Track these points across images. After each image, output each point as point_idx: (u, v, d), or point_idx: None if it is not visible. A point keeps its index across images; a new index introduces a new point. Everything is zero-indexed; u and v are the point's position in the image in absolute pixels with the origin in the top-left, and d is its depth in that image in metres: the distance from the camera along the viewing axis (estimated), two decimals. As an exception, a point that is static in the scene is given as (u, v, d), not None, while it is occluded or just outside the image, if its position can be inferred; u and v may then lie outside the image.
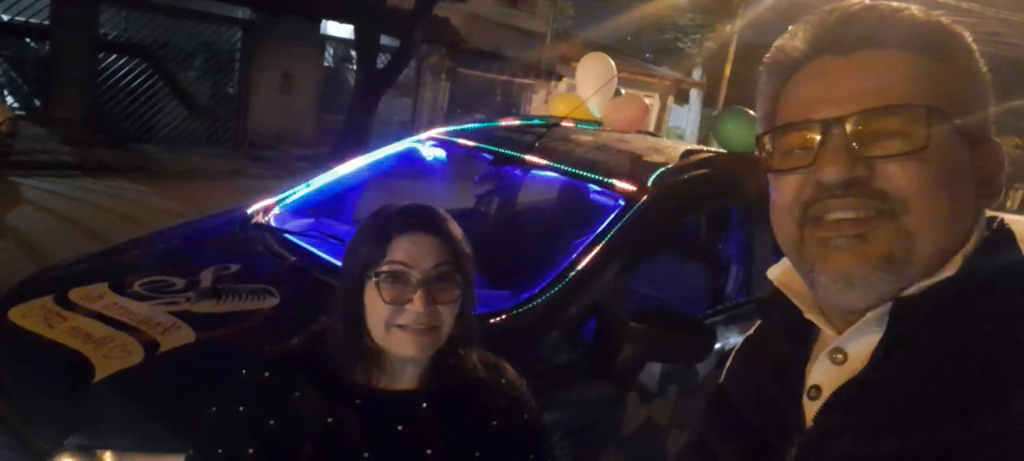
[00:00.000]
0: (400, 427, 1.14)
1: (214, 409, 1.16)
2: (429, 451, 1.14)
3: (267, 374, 1.16)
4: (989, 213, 0.72)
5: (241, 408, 1.13)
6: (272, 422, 1.11)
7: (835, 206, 0.68)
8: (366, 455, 1.11)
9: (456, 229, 1.18)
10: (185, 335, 1.96)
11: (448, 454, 1.15)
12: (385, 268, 1.11)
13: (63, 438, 1.65)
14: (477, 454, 1.17)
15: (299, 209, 3.04)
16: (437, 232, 1.15)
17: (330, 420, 1.12)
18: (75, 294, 2.13)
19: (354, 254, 1.16)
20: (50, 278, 2.37)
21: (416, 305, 1.10)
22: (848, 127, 0.67)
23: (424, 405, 1.17)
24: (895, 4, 0.70)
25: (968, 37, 0.70)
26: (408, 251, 1.12)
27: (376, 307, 1.12)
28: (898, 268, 0.66)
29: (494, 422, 1.20)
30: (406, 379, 1.18)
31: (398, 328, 1.11)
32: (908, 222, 0.65)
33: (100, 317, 2.01)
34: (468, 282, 1.17)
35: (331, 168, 3.23)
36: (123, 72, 10.43)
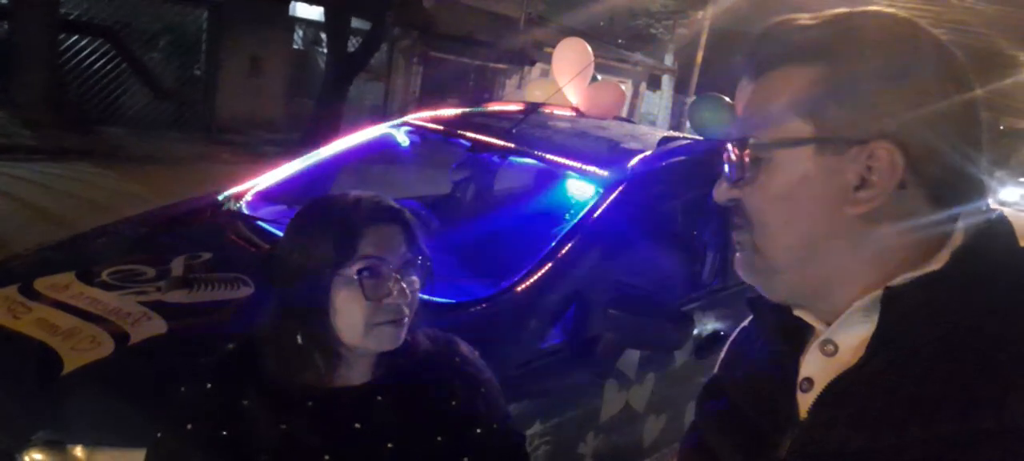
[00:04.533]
0: (357, 425, 1.10)
1: (160, 434, 1.11)
2: (390, 444, 1.10)
3: (209, 385, 1.10)
4: (992, 205, 0.71)
5: (189, 426, 1.08)
6: (224, 433, 1.06)
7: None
8: (326, 457, 1.07)
9: (411, 215, 1.15)
10: (156, 326, 1.91)
11: (409, 444, 1.12)
12: (361, 265, 1.06)
13: (31, 433, 1.61)
14: (439, 439, 1.14)
15: (271, 195, 2.99)
16: (400, 221, 1.12)
17: (284, 426, 1.07)
18: (41, 284, 2.07)
19: (310, 253, 1.09)
20: (14, 267, 2.30)
21: (395, 298, 1.08)
22: (732, 153, 0.74)
23: (379, 398, 1.13)
24: (802, 15, 0.72)
25: (877, 25, 0.69)
26: (379, 244, 1.08)
27: (352, 309, 1.07)
28: (766, 277, 0.75)
29: (453, 403, 1.17)
30: (358, 374, 1.14)
31: (378, 325, 1.08)
32: (756, 238, 0.73)
33: (67, 308, 1.96)
34: (427, 267, 1.15)
35: (302, 153, 3.17)
36: (86, 53, 10.13)
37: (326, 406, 1.10)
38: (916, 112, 0.65)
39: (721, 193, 0.76)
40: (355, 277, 1.06)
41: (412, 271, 1.11)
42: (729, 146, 0.74)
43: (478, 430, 1.18)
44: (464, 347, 1.27)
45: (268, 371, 1.11)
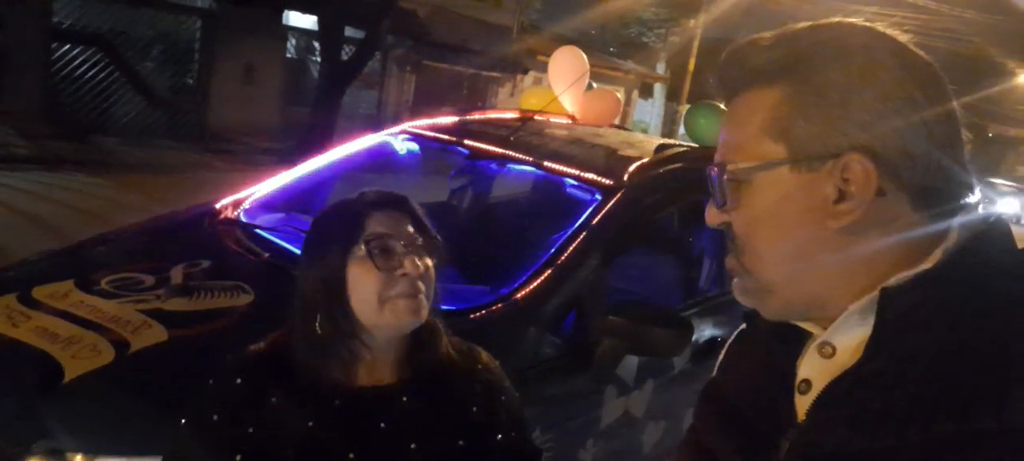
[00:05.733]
0: (382, 424, 1.14)
1: (185, 421, 1.14)
2: (413, 445, 1.14)
3: (239, 381, 1.13)
4: (984, 208, 0.72)
5: (215, 417, 1.11)
6: (251, 429, 1.09)
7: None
8: (351, 455, 1.11)
9: (420, 208, 1.22)
10: (157, 333, 1.90)
11: (432, 446, 1.15)
12: (371, 241, 1.12)
13: (32, 441, 1.60)
14: (460, 442, 1.18)
15: (269, 204, 2.98)
16: (404, 207, 1.19)
17: (311, 423, 1.10)
18: (40, 292, 2.06)
19: (324, 244, 1.16)
20: (12, 276, 2.28)
21: (407, 267, 1.12)
22: (714, 178, 0.75)
23: (404, 399, 1.16)
24: (764, 35, 0.73)
25: (834, 38, 0.69)
26: (385, 224, 1.14)
27: (366, 283, 1.11)
28: (761, 297, 0.75)
29: (474, 408, 1.21)
30: (384, 374, 1.18)
31: (393, 298, 1.11)
32: (745, 260, 0.74)
33: (67, 316, 1.95)
34: (440, 256, 1.20)
35: (295, 162, 3.18)
36: (79, 62, 10.11)
37: (353, 405, 1.14)
38: (882, 119, 0.66)
39: (712, 217, 0.77)
40: (364, 251, 1.12)
41: (423, 252, 1.16)
42: (711, 172, 0.75)
43: (498, 437, 1.22)
44: (486, 356, 1.30)
45: (296, 367, 1.14)
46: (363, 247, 1.12)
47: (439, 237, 1.20)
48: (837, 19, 0.71)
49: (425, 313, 1.15)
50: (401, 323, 1.13)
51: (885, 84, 0.66)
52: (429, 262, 1.16)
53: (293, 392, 1.12)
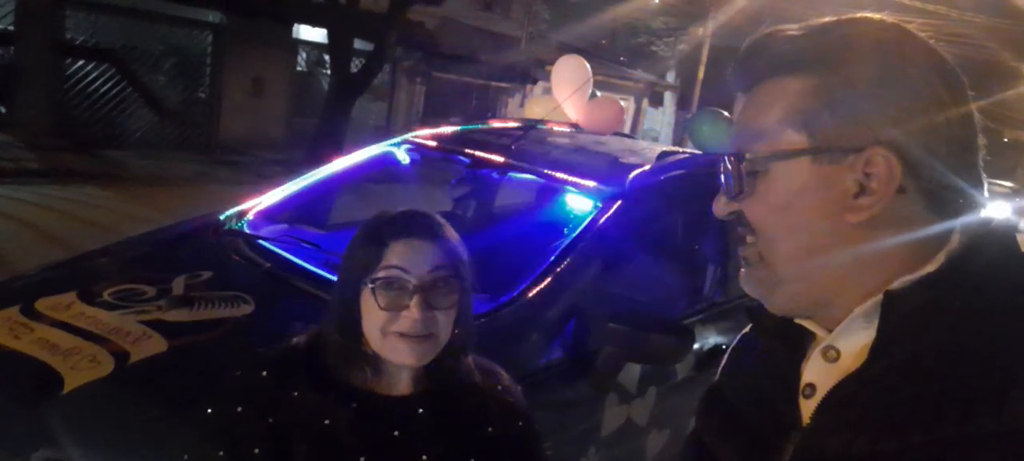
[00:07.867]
0: (396, 433, 1.15)
1: (211, 411, 1.16)
2: (424, 457, 1.14)
3: (264, 374, 1.15)
4: (987, 213, 0.72)
5: (240, 409, 1.13)
6: (271, 420, 1.11)
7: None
8: (362, 459, 1.12)
9: (453, 234, 1.18)
10: (157, 344, 1.91)
11: (443, 459, 1.16)
12: (381, 274, 1.11)
13: (31, 452, 1.61)
14: (471, 460, 1.18)
15: (272, 214, 3.00)
16: (434, 237, 1.14)
17: (326, 422, 1.12)
18: (42, 304, 2.07)
19: (350, 260, 1.17)
20: (15, 288, 2.30)
21: (412, 312, 1.10)
22: (729, 166, 0.74)
23: (420, 411, 1.17)
24: (790, 26, 0.73)
25: (866, 33, 0.69)
26: (404, 257, 1.12)
27: (372, 314, 1.12)
28: (770, 289, 0.74)
29: (489, 429, 1.21)
30: (403, 384, 1.19)
31: (395, 336, 1.11)
32: (761, 247, 0.73)
33: (68, 327, 1.96)
34: (466, 287, 1.17)
35: (304, 173, 3.19)
36: (90, 76, 10.22)
37: (369, 410, 1.15)
38: (910, 117, 0.66)
39: (720, 207, 0.76)
40: (374, 283, 1.11)
41: (442, 290, 1.13)
42: (725, 160, 0.74)
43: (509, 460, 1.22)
44: (507, 378, 1.30)
45: (322, 368, 1.16)
46: (374, 280, 1.11)
47: (468, 275, 1.17)
48: (867, 15, 0.71)
49: (430, 356, 1.14)
50: (401, 361, 1.14)
51: (915, 82, 0.66)
52: (447, 302, 1.13)
53: (314, 390, 1.14)
